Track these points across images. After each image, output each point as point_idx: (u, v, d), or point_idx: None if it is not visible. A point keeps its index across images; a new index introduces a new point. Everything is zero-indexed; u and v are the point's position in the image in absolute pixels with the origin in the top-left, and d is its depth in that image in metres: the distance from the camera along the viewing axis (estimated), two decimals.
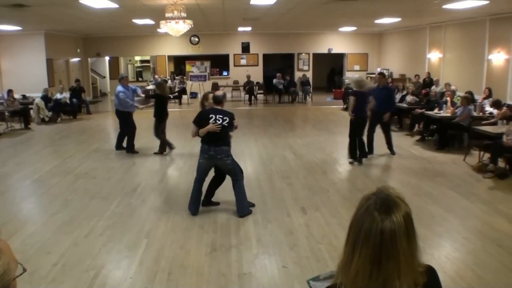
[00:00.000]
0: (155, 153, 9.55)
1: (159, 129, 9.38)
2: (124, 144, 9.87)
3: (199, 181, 5.94)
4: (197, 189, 5.94)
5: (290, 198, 6.53)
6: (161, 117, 9.32)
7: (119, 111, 9.67)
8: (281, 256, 4.67)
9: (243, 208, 5.87)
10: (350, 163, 8.54)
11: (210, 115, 5.64)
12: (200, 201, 6.02)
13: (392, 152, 9.26)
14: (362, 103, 8.31)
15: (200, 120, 5.71)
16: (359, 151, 8.54)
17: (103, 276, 4.27)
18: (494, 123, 9.06)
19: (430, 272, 1.42)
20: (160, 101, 9.35)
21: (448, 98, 11.35)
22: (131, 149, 9.70)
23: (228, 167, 5.81)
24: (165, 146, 9.59)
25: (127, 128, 9.76)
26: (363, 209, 1.35)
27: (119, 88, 9.53)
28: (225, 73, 21.59)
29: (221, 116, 5.64)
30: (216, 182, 6.19)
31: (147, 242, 5.09)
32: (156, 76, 20.75)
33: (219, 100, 5.82)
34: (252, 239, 5.14)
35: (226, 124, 5.65)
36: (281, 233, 5.29)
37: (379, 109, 8.74)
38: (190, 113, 14.80)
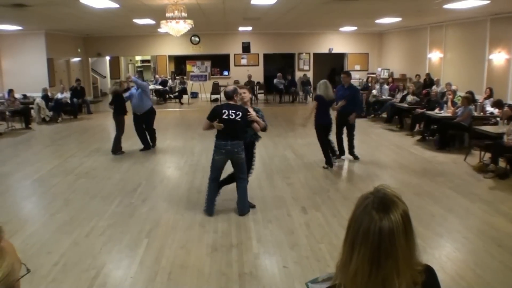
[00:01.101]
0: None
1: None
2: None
3: (213, 179, 5.89)
4: (213, 188, 5.90)
5: (290, 198, 6.53)
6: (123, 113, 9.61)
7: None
8: (282, 256, 4.67)
9: (244, 207, 5.90)
10: (325, 168, 8.29)
11: (223, 111, 5.64)
12: (215, 201, 5.97)
13: (355, 157, 8.85)
14: (325, 108, 8.11)
15: (214, 117, 5.71)
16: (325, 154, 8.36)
17: (103, 276, 4.27)
18: (496, 123, 9.06)
19: (429, 271, 1.42)
20: (118, 98, 9.62)
21: (450, 97, 11.35)
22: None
23: (241, 161, 5.80)
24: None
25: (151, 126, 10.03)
26: (361, 209, 1.35)
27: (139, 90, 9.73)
28: (225, 73, 21.58)
29: (233, 111, 5.64)
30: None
31: (148, 242, 5.09)
32: (157, 76, 20.78)
33: (229, 95, 5.85)
34: (252, 238, 5.15)
35: (239, 119, 5.64)
36: (282, 233, 5.29)
37: (343, 110, 8.42)
38: (190, 113, 14.82)
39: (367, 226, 1.30)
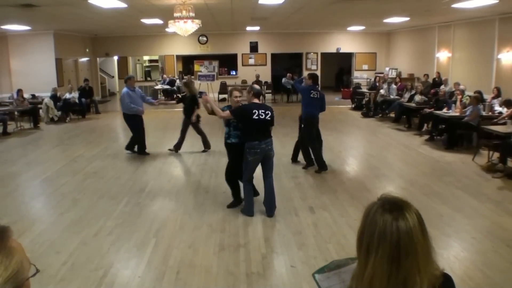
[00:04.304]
0: (203, 151, 9.72)
1: (188, 126, 9.56)
2: (135, 148, 9.69)
3: (249, 181, 5.89)
4: (250, 189, 5.89)
5: (298, 198, 6.52)
6: (190, 114, 9.48)
7: (126, 114, 9.36)
8: (289, 256, 4.67)
9: (272, 207, 5.88)
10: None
11: (253, 111, 5.55)
12: (253, 202, 5.94)
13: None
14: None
15: (243, 116, 5.61)
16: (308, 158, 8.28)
17: (111, 275, 4.29)
18: (503, 122, 9.01)
19: (446, 278, 1.41)
20: (191, 100, 9.54)
21: (459, 97, 11.31)
22: (142, 152, 9.60)
23: (272, 158, 5.88)
24: (207, 142, 9.80)
25: (135, 131, 9.46)
26: (372, 214, 1.34)
27: (124, 90, 9.24)
28: (233, 72, 21.59)
29: (263, 111, 5.59)
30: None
31: (156, 241, 5.11)
32: (165, 76, 20.83)
33: (259, 93, 5.85)
34: (260, 238, 5.15)
35: (269, 118, 5.64)
36: (289, 233, 5.29)
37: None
38: (198, 113, 14.80)
39: (383, 227, 1.30)
